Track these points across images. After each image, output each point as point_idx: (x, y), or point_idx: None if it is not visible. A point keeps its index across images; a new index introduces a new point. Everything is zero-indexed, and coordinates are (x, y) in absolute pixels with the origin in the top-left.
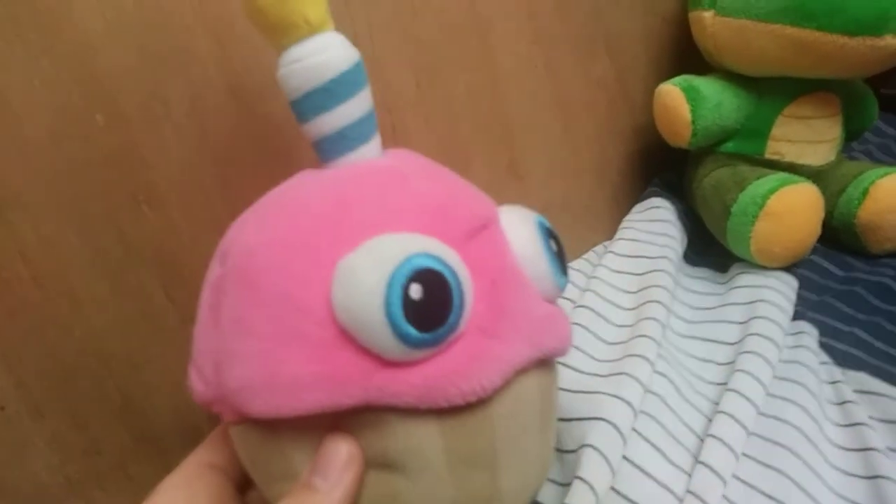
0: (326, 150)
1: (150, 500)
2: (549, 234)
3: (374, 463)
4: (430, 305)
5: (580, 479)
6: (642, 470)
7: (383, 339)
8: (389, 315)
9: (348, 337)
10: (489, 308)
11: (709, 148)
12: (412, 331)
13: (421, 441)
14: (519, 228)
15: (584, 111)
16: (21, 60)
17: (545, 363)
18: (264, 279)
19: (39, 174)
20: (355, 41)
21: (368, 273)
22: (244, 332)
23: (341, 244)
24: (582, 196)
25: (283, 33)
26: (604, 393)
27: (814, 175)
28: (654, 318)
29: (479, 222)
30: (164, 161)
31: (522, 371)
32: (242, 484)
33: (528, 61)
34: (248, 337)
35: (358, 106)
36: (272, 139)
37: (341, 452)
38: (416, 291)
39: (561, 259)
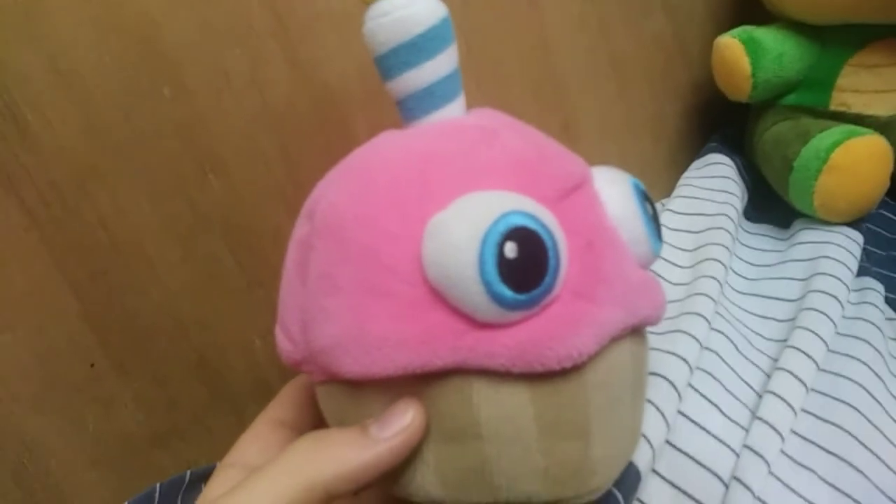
0: (412, 109)
1: (228, 455)
2: (645, 197)
3: (460, 433)
4: (525, 265)
5: None
6: (698, 424)
7: (476, 298)
8: (483, 273)
9: (439, 296)
10: (584, 271)
11: (770, 101)
12: (506, 291)
13: (512, 408)
14: (613, 189)
15: (640, 68)
16: (91, 38)
17: (638, 331)
18: (351, 234)
19: (113, 147)
20: None
21: (462, 230)
22: (332, 288)
23: (430, 201)
24: (638, 155)
25: None
26: (660, 349)
27: (881, 126)
28: (712, 276)
29: (572, 181)
30: (226, 131)
31: (617, 338)
32: None
33: (580, 20)
34: (335, 293)
35: (446, 62)
36: (328, 108)
37: (408, 415)
38: (510, 250)
39: (656, 223)
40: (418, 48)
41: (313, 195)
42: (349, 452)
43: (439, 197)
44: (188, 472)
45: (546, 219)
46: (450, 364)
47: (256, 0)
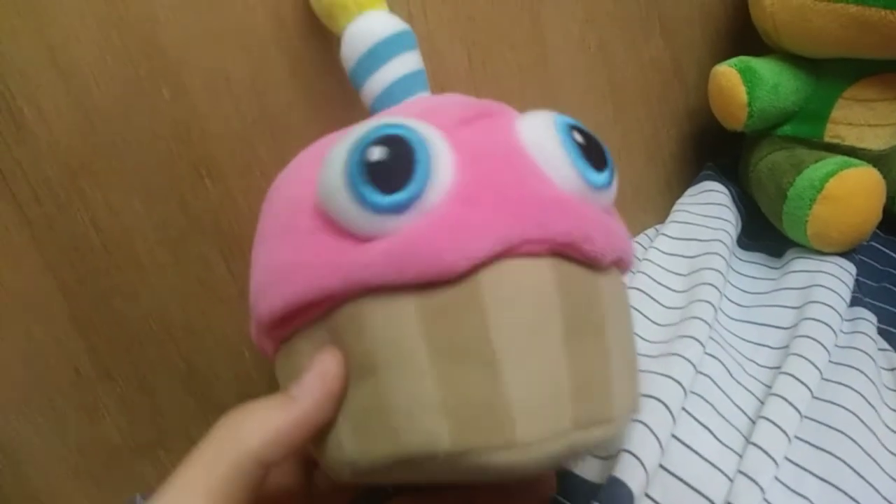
0: (377, 109)
1: None
2: (573, 128)
3: (360, 368)
4: (389, 166)
5: (629, 452)
6: (692, 448)
7: (346, 204)
8: (348, 176)
9: (331, 223)
10: (475, 180)
11: (765, 131)
12: (371, 192)
13: (399, 328)
14: (530, 121)
15: (637, 92)
16: (93, 33)
17: (574, 260)
18: (278, 193)
19: (108, 144)
20: (409, 19)
21: (338, 147)
22: (260, 240)
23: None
24: (633, 178)
25: (338, 15)
26: (654, 372)
27: (874, 160)
28: (706, 301)
29: (475, 111)
30: (224, 134)
31: (527, 255)
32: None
33: (580, 41)
34: (262, 244)
35: (402, 65)
36: (328, 116)
37: (319, 365)
38: (374, 153)
39: (590, 153)
40: (377, 55)
41: None
42: (273, 416)
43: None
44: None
45: (420, 128)
46: (339, 286)
47: (261, 6)
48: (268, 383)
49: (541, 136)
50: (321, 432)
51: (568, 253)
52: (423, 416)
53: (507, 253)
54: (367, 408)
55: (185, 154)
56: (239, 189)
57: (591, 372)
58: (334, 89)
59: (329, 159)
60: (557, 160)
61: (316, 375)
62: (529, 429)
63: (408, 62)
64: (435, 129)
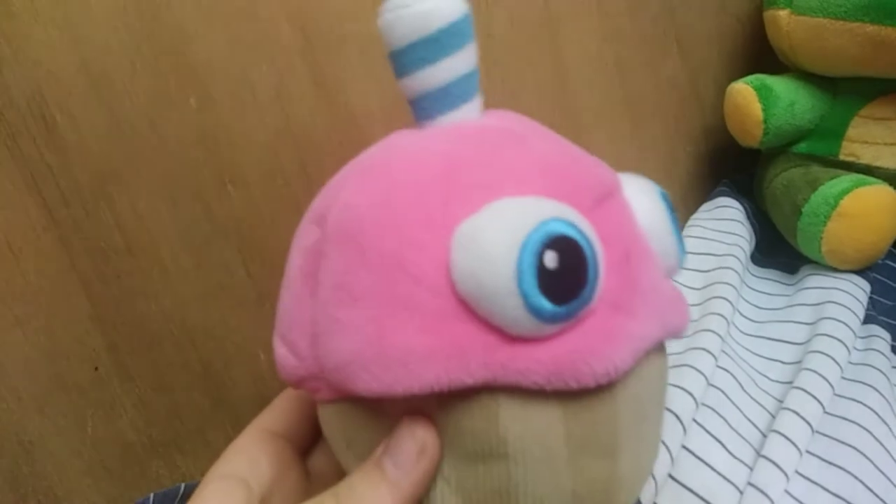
0: (426, 108)
1: (216, 466)
2: (671, 207)
3: (485, 453)
4: (565, 276)
5: None
6: (702, 460)
7: (513, 311)
8: (522, 284)
9: (467, 308)
10: (621, 283)
11: (781, 148)
12: (545, 303)
13: (542, 427)
14: (644, 199)
15: (654, 110)
16: (124, 46)
17: (662, 345)
18: (372, 241)
19: (137, 152)
20: None
21: (498, 238)
22: (348, 299)
23: (456, 206)
24: None
25: None
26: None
27: (891, 178)
28: (719, 314)
29: (605, 188)
30: (248, 143)
31: (649, 352)
32: (304, 449)
33: (597, 59)
34: (354, 305)
35: (464, 60)
36: (349, 127)
37: (417, 439)
38: (551, 260)
39: (679, 234)
40: (438, 44)
41: (321, 198)
42: (378, 502)
43: (466, 201)
44: (182, 486)
45: (585, 227)
46: (479, 381)
47: (286, 18)
48: (281, 389)
49: (657, 222)
50: None
51: (666, 340)
52: (551, 500)
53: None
54: (491, 487)
55: (211, 162)
56: (262, 197)
57: (658, 438)
58: (355, 100)
59: (483, 249)
60: (670, 250)
61: (416, 454)
62: (631, 493)
63: (469, 58)
64: (586, 220)
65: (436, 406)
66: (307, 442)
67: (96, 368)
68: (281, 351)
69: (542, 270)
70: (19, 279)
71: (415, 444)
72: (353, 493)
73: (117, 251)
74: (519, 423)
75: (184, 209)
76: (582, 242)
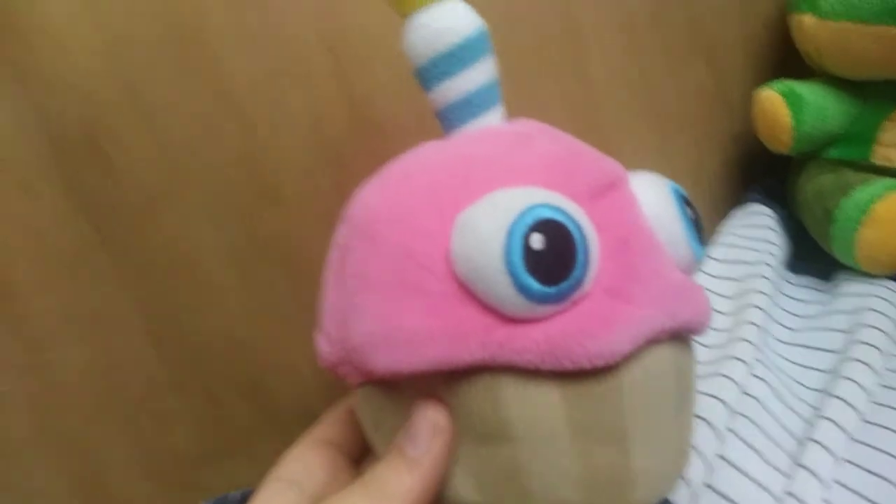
0: (450, 118)
1: (272, 472)
2: (685, 201)
3: (492, 434)
4: (552, 257)
5: None
6: (739, 469)
7: (503, 290)
8: (509, 265)
9: (469, 292)
10: (619, 269)
11: (812, 154)
12: (533, 282)
13: (541, 408)
14: (651, 191)
15: (681, 120)
16: (168, 76)
17: (681, 339)
18: (385, 233)
19: (182, 173)
20: None
21: (487, 222)
22: (367, 286)
23: (463, 199)
24: None
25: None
26: (700, 392)
27: None
28: (753, 323)
29: (606, 180)
30: (287, 164)
31: (655, 341)
32: (357, 458)
33: (621, 72)
34: (370, 291)
35: (482, 72)
36: (381, 145)
37: (429, 418)
38: (536, 241)
39: (697, 227)
40: (456, 58)
41: (351, 200)
42: (402, 485)
43: (472, 195)
44: (229, 494)
45: (575, 213)
46: (478, 360)
47: (316, 41)
48: (325, 401)
49: (664, 213)
50: None
51: (682, 333)
52: (560, 485)
53: (646, 343)
54: (500, 469)
55: (252, 183)
56: (302, 216)
57: (688, 436)
58: (386, 119)
59: (474, 233)
60: (679, 240)
61: (431, 432)
62: (650, 492)
63: (487, 70)
64: (577, 206)
65: (444, 389)
66: (357, 450)
67: (150, 381)
68: (319, 340)
69: (528, 251)
70: (78, 300)
71: (427, 423)
72: (376, 478)
73: (166, 269)
74: (519, 403)
75: (228, 229)
76: (569, 225)
